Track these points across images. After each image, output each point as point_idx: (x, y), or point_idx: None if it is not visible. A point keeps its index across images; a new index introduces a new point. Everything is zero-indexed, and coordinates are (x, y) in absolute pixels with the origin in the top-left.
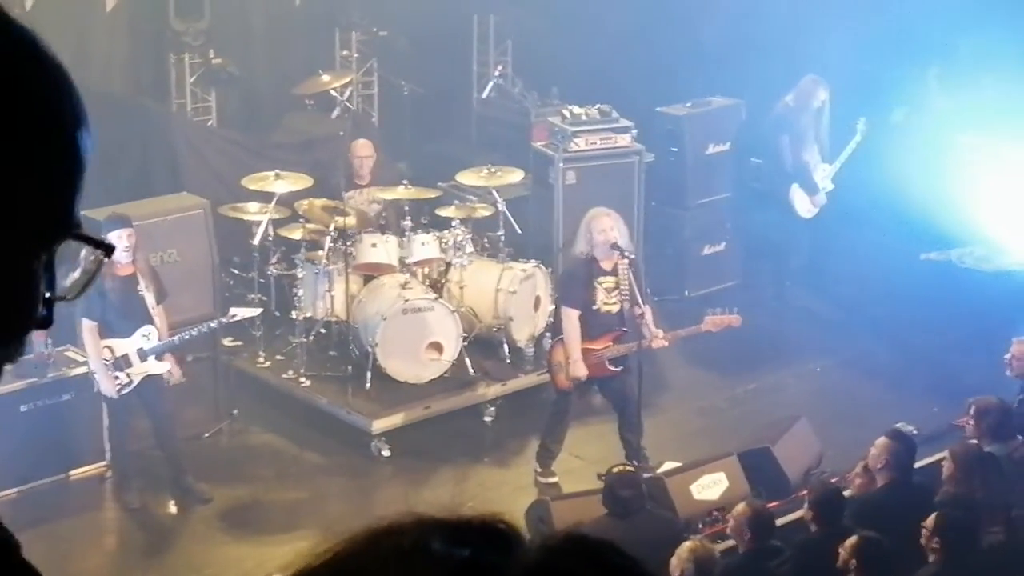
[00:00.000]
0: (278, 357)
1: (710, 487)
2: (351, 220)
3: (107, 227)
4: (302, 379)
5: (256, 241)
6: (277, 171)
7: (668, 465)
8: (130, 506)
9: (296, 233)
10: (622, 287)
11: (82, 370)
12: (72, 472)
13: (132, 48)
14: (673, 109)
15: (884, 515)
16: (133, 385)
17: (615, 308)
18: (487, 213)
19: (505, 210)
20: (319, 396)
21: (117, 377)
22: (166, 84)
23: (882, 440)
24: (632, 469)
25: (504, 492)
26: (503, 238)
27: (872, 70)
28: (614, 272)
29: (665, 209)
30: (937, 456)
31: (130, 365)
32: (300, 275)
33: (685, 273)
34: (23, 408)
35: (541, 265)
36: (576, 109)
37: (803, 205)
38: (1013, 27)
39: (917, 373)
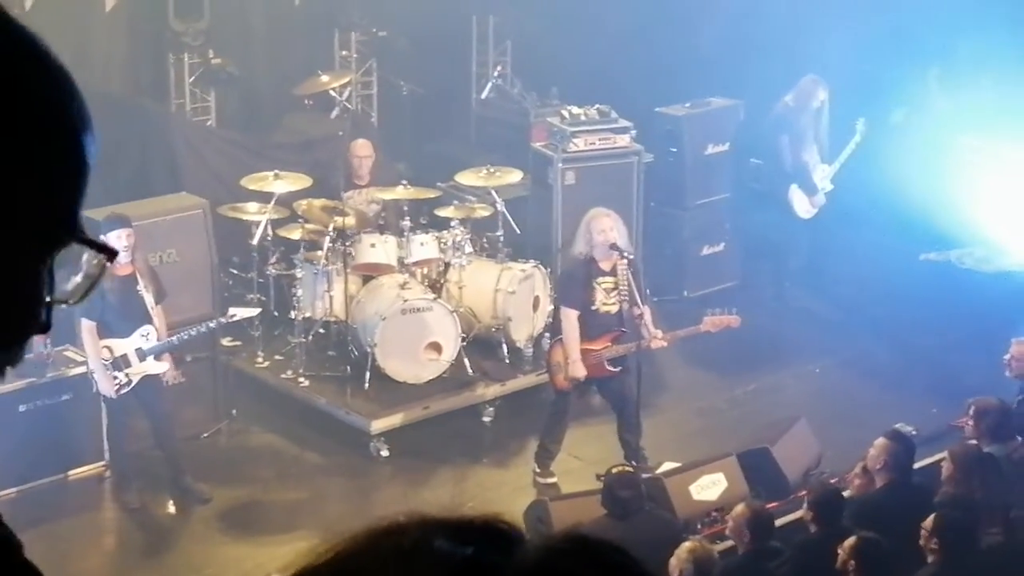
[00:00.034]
0: (277, 357)
1: (709, 488)
2: (350, 220)
3: (106, 227)
4: (301, 379)
5: (255, 241)
6: (276, 171)
7: (667, 466)
8: (129, 506)
9: (295, 233)
10: (621, 287)
11: (81, 370)
12: (71, 472)
13: (131, 48)
14: (672, 109)
15: (883, 516)
16: (132, 385)
17: (614, 308)
18: (486, 213)
19: (504, 210)
20: (318, 396)
21: (116, 377)
22: (165, 84)
23: (881, 441)
24: (631, 470)
25: (503, 492)
26: (502, 238)
27: (872, 70)
28: (613, 272)
29: (664, 209)
30: (936, 457)
31: (129, 365)
32: (299, 275)
33: (684, 273)
34: (22, 408)
35: (540, 265)
36: (575, 109)
37: (802, 205)
38: (1013, 28)
39: (916, 374)
